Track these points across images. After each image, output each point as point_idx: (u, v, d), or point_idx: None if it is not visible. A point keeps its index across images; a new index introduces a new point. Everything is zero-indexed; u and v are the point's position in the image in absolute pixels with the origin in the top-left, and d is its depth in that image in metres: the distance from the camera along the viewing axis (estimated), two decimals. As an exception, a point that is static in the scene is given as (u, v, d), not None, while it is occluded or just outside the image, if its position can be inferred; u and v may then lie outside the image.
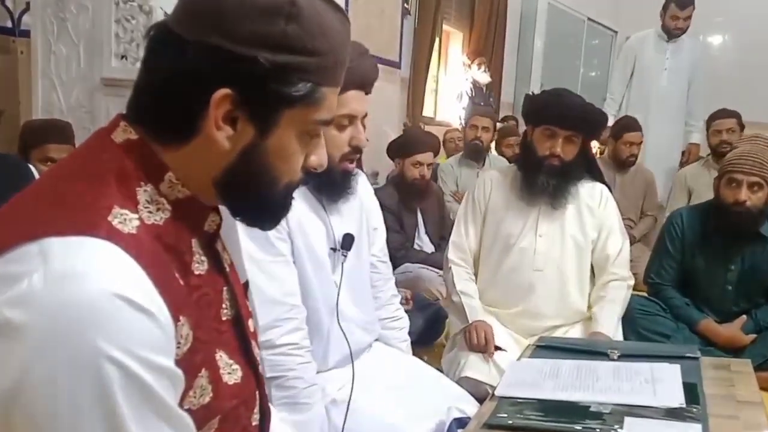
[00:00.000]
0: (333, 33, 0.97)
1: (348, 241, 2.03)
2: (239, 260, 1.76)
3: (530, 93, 2.99)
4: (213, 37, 0.91)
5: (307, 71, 0.95)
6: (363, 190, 2.18)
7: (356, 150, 1.92)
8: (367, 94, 1.93)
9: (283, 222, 1.83)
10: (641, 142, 5.33)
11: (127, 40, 3.57)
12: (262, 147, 0.97)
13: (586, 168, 2.92)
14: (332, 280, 2.01)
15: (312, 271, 1.97)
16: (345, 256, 2.03)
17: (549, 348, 2.30)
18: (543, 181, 2.80)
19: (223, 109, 0.92)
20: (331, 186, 1.97)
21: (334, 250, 2.02)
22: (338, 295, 2.00)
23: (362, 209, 2.17)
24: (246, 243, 1.76)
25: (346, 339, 1.99)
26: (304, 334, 1.89)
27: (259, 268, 1.83)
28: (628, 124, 5.31)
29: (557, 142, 2.75)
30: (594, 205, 2.91)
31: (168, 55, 0.93)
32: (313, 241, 1.97)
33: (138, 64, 3.36)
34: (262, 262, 1.84)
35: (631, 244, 3.50)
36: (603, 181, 3.02)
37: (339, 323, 1.99)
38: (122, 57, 3.59)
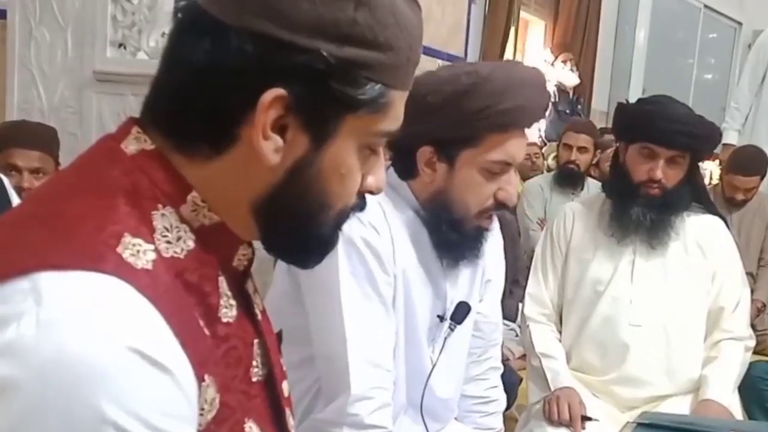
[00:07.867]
0: (408, 24, 0.98)
1: (462, 312, 1.98)
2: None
3: (624, 101, 2.95)
4: (263, 23, 0.90)
5: (377, 70, 0.95)
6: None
7: (501, 205, 1.87)
8: None
9: (392, 261, 1.80)
10: (755, 186, 4.92)
11: (127, 25, 3.61)
12: (316, 163, 0.96)
13: (694, 196, 2.86)
14: (426, 352, 1.98)
15: (404, 335, 1.92)
16: (452, 329, 1.98)
17: (653, 427, 2.26)
18: (639, 214, 2.74)
19: (274, 114, 0.92)
20: (458, 245, 1.92)
21: (441, 318, 1.98)
22: (431, 373, 1.97)
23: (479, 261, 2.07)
24: (346, 279, 1.76)
25: (424, 423, 1.97)
26: (391, 411, 1.84)
27: (360, 316, 1.79)
28: (743, 164, 4.85)
29: (658, 164, 2.69)
30: (706, 242, 2.84)
31: (202, 44, 0.92)
32: (416, 303, 1.92)
33: (139, 55, 3.39)
34: (362, 310, 1.79)
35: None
36: (716, 213, 2.95)
37: (422, 407, 1.96)
38: (120, 45, 3.64)
